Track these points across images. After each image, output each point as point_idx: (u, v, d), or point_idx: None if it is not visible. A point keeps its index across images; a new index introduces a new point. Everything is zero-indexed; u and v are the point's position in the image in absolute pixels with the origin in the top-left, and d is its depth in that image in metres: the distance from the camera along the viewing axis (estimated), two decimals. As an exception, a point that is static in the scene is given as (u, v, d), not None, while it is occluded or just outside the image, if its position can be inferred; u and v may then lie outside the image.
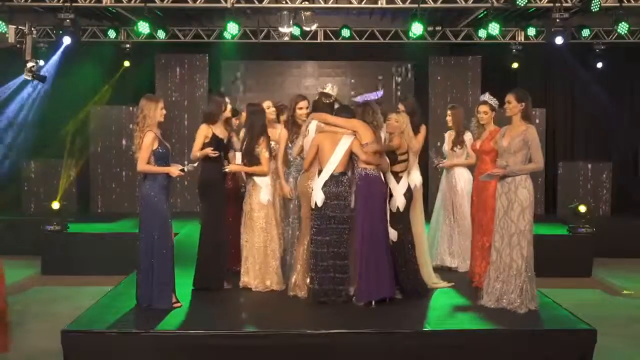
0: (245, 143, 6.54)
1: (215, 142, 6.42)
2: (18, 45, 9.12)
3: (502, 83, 10.77)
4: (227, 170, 6.53)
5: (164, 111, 5.87)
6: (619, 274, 9.67)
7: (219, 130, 6.49)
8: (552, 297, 6.31)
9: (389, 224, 6.19)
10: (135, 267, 6.00)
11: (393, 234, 6.23)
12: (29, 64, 8.75)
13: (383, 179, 6.19)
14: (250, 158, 6.49)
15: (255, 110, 6.63)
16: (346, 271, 6.08)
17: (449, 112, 7.76)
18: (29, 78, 8.89)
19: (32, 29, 9.11)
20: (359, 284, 6.02)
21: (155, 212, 5.80)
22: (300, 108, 6.69)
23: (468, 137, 7.48)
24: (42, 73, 9.78)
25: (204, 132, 6.43)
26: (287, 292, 6.37)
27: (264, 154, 6.47)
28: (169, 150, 5.95)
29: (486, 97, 6.97)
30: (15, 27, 8.53)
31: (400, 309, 5.94)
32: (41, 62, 9.82)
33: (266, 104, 6.89)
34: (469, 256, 7.23)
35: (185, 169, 5.89)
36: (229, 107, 6.66)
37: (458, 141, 7.57)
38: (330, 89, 6.53)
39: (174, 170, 5.83)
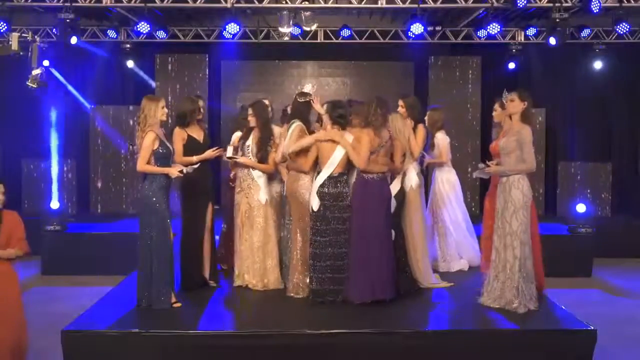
0: (259, 140, 6.52)
1: (192, 143, 6.41)
2: (21, 53, 8.99)
3: (502, 83, 10.75)
4: (239, 161, 6.52)
5: (165, 110, 5.87)
6: (619, 274, 9.67)
7: (194, 132, 6.48)
8: (552, 297, 6.31)
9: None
10: (135, 267, 6.01)
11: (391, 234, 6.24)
12: (35, 72, 8.55)
13: (388, 181, 6.20)
14: (263, 156, 6.49)
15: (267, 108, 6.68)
16: (344, 271, 6.08)
17: (427, 113, 7.78)
18: (34, 86, 8.67)
19: (36, 36, 8.94)
20: (350, 284, 6.01)
21: (155, 212, 5.80)
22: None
23: (440, 136, 7.61)
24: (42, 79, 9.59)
25: (180, 135, 6.41)
26: (286, 292, 6.39)
27: (273, 153, 6.47)
28: (170, 150, 5.95)
29: (504, 94, 6.89)
30: (18, 34, 8.38)
31: (400, 309, 5.94)
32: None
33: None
34: (446, 256, 7.29)
35: (185, 170, 5.89)
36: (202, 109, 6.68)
37: (430, 143, 7.59)
38: (309, 88, 6.54)
39: (174, 170, 5.83)
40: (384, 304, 5.97)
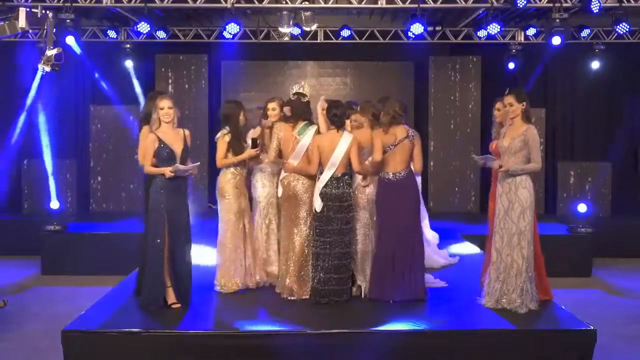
0: (263, 139, 6.53)
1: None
2: (30, 31, 8.36)
3: (502, 83, 10.75)
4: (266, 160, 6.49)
5: (164, 110, 5.79)
6: (619, 274, 9.66)
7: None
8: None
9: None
10: (136, 267, 6.01)
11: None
12: (50, 53, 7.66)
13: (415, 179, 6.21)
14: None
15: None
16: (347, 271, 6.09)
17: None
18: (47, 69, 7.94)
19: (47, 11, 8.05)
20: (371, 282, 6.09)
21: (154, 212, 5.80)
22: (274, 109, 6.66)
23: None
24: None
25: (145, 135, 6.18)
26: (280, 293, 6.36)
27: (272, 150, 6.46)
28: (171, 151, 5.82)
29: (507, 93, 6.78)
30: (26, 9, 7.55)
31: (400, 309, 5.94)
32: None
33: (272, 105, 6.72)
34: None
35: (174, 169, 5.75)
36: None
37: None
38: (300, 87, 6.52)
39: (166, 171, 5.76)
40: (384, 304, 5.98)
